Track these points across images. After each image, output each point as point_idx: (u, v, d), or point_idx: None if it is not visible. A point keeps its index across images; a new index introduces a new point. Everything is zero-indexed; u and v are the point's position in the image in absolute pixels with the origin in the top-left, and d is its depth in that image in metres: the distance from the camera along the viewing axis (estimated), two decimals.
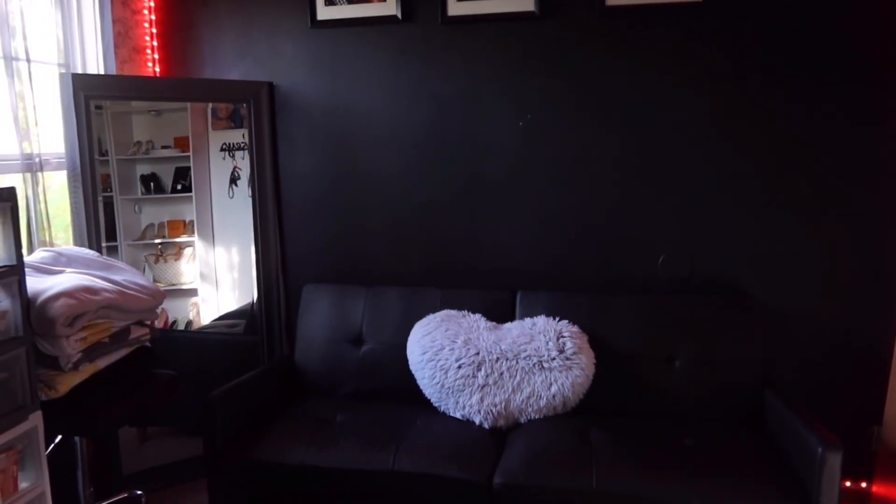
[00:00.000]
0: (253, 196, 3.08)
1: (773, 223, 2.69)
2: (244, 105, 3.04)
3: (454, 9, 2.83)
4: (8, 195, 1.93)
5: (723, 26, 2.63)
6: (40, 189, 2.56)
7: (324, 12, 2.95)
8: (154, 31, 3.11)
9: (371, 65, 2.96)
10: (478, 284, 2.94)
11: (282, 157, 3.13)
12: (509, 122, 2.86)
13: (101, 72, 2.87)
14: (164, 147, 3.12)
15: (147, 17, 3.10)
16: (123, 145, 3.04)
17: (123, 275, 2.39)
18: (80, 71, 2.82)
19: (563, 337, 2.54)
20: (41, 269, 2.24)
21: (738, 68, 2.64)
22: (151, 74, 3.13)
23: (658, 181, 2.77)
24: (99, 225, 2.79)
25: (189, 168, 3.14)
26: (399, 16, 2.87)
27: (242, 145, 3.11)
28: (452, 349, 2.57)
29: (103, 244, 2.83)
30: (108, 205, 2.93)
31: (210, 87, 3.01)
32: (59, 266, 2.31)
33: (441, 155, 2.95)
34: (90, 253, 2.46)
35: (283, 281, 3.19)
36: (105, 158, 2.94)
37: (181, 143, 3.13)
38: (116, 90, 2.82)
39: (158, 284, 3.13)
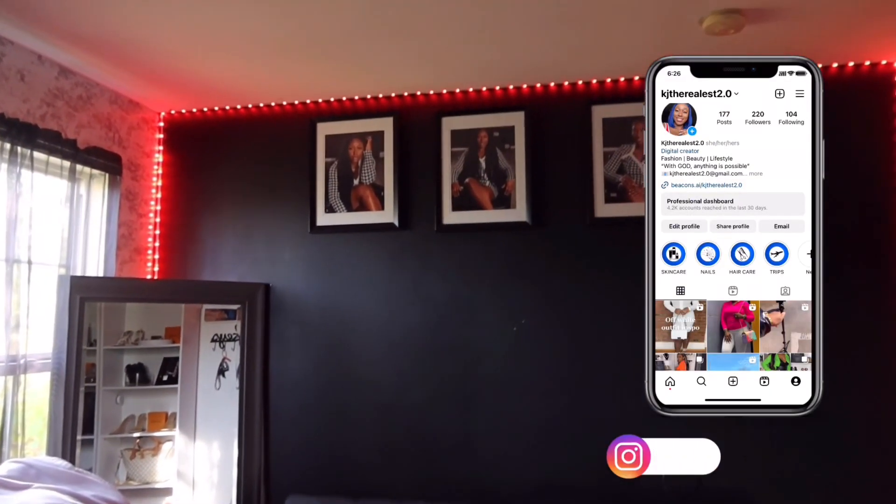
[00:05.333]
0: (240, 397, 2.99)
1: (783, 438, 2.61)
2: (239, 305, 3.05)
3: (449, 218, 2.93)
4: None
5: None
6: (20, 391, 2.49)
7: (323, 219, 3.06)
8: (157, 232, 3.21)
9: (367, 269, 3.02)
10: (471, 496, 2.79)
11: (273, 357, 3.08)
12: (503, 326, 2.87)
13: (101, 272, 2.91)
14: (154, 338, 3.08)
15: (152, 220, 3.21)
16: (113, 335, 3.01)
17: (94, 489, 2.25)
18: (79, 270, 2.85)
19: None
20: (7, 485, 2.11)
21: None
22: (151, 274, 3.17)
23: None
24: (77, 418, 2.68)
25: (177, 359, 3.09)
26: (396, 223, 2.97)
27: (234, 336, 3.08)
28: None
29: (79, 437, 2.70)
30: (90, 394, 2.84)
31: (206, 289, 3.04)
32: (28, 479, 2.17)
33: (435, 359, 2.92)
34: (62, 464, 2.33)
35: (264, 489, 3.01)
36: (92, 349, 2.90)
37: (172, 334, 3.10)
38: (114, 292, 2.84)
39: (132, 483, 2.97)
